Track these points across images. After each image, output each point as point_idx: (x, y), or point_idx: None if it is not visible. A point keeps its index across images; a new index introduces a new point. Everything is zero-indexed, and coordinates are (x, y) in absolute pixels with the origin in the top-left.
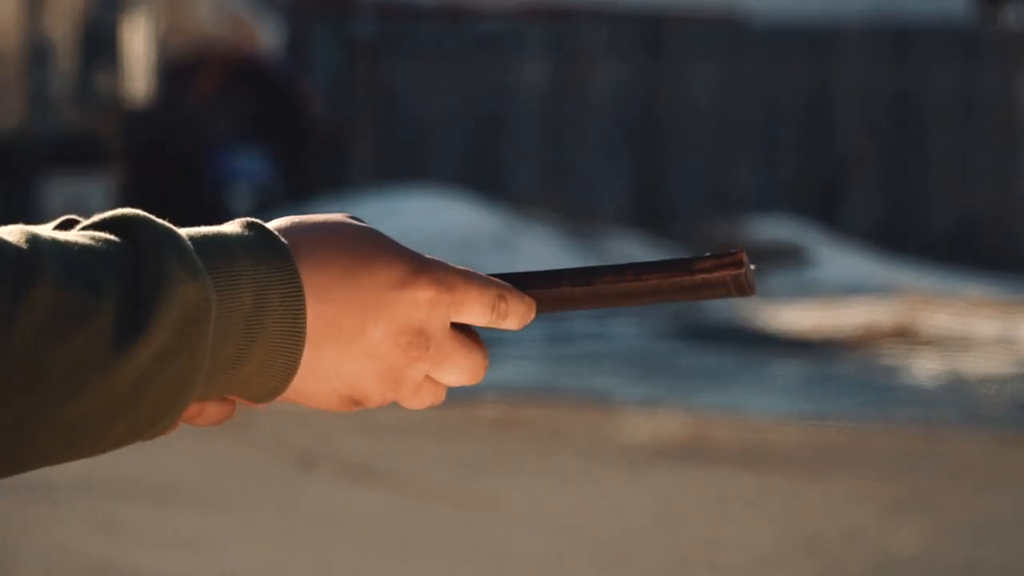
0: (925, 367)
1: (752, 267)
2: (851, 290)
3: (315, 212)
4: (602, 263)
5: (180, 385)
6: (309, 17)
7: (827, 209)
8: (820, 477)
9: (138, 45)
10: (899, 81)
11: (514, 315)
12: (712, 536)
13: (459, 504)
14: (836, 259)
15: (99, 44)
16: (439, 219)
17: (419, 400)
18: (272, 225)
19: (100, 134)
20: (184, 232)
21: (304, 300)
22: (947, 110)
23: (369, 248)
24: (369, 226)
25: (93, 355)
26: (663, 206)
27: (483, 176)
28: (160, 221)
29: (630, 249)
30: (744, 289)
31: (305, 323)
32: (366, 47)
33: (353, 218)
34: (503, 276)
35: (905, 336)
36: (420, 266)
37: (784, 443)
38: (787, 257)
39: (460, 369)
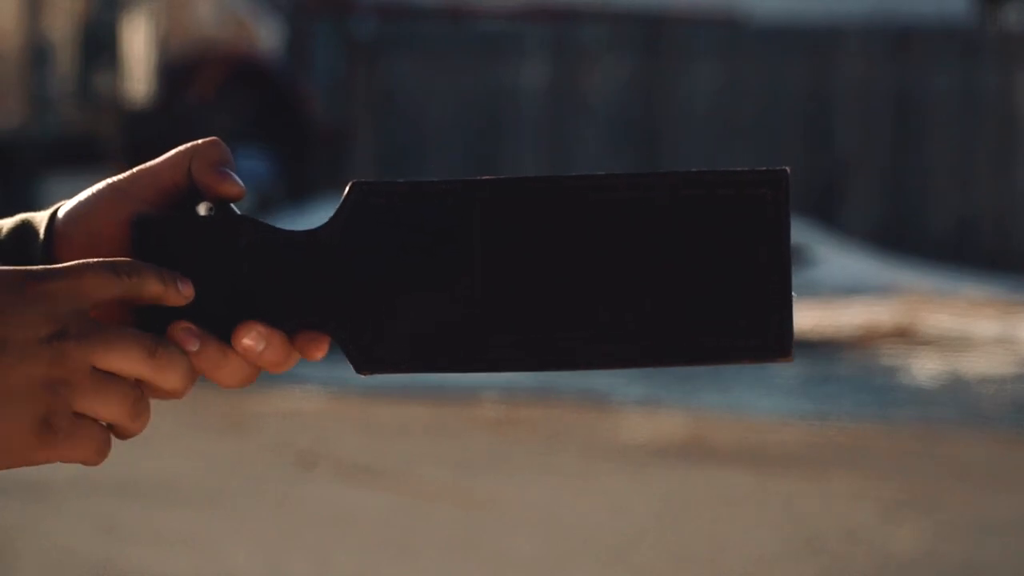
0: (925, 367)
1: None
2: (851, 290)
3: (315, 211)
4: None
5: None
6: (309, 17)
7: (827, 209)
8: (820, 477)
9: (138, 45)
10: (899, 81)
11: (172, 361)
12: (712, 536)
13: (459, 504)
14: (836, 259)
15: (99, 44)
16: None
17: (107, 396)
18: None
19: (100, 134)
20: None
21: None
22: (947, 110)
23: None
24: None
25: None
26: None
27: (483, 176)
28: None
29: None
30: None
31: None
32: (366, 47)
33: None
34: None
35: (905, 336)
36: (32, 269)
37: (784, 443)
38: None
39: (118, 399)
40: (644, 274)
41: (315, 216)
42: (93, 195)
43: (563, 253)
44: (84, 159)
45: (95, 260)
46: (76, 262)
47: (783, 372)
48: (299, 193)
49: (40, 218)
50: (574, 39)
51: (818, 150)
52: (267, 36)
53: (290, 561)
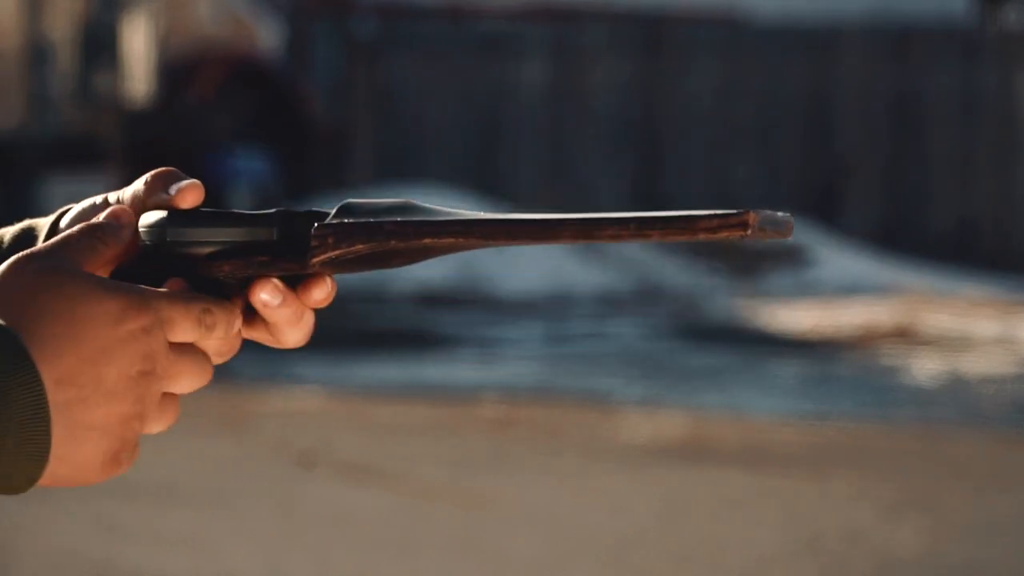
0: (925, 367)
1: (781, 215)
2: (851, 290)
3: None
4: (602, 259)
5: None
6: (309, 17)
7: (827, 209)
8: (820, 477)
9: (138, 45)
10: (899, 81)
11: (221, 324)
12: (712, 536)
13: (459, 504)
14: (836, 259)
15: (99, 44)
16: None
17: (163, 419)
18: None
19: (100, 134)
20: None
21: (42, 384)
22: (947, 110)
23: (78, 293)
24: (66, 267)
25: None
26: (663, 206)
27: (483, 176)
28: None
29: (629, 248)
30: (769, 235)
31: (47, 407)
32: (366, 47)
33: (45, 259)
34: (543, 220)
35: (905, 336)
36: (127, 299)
37: (784, 443)
38: (787, 257)
39: (190, 376)
40: None
41: None
42: (95, 207)
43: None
44: (84, 159)
45: (184, 299)
46: (167, 297)
47: (783, 372)
48: (299, 193)
49: (43, 224)
50: (574, 39)
51: (818, 150)
52: (267, 36)
53: (290, 561)
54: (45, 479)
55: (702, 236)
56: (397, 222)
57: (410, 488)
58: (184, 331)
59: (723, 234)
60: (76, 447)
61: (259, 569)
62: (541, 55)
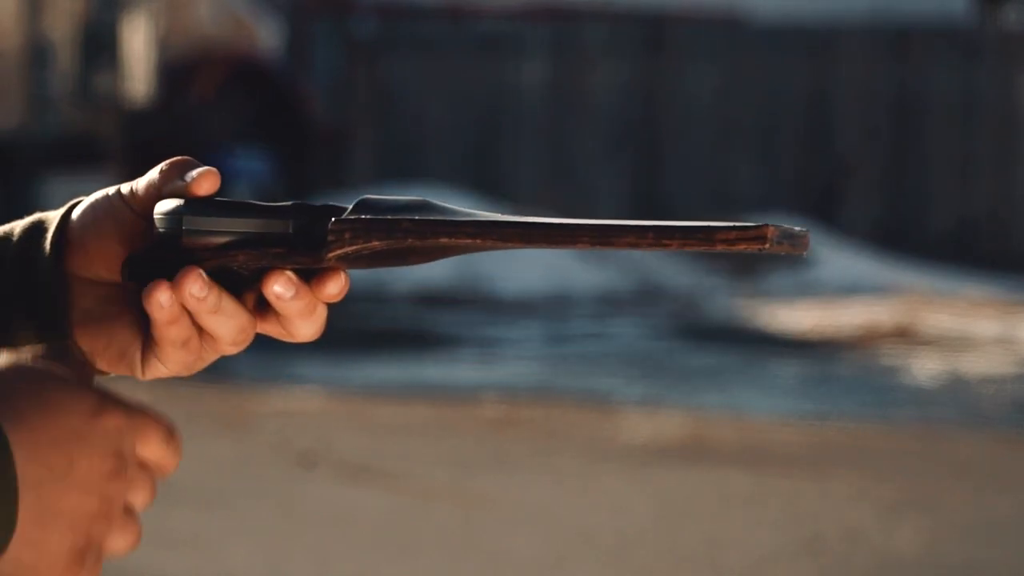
0: (925, 367)
1: (798, 229)
2: (851, 290)
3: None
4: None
5: None
6: (309, 17)
7: (827, 209)
8: (820, 477)
9: (138, 45)
10: (899, 81)
11: (176, 451)
12: (712, 536)
13: (459, 504)
14: (836, 259)
15: (99, 44)
16: None
17: (126, 535)
18: None
19: (100, 134)
20: None
21: (12, 459)
22: (947, 110)
23: (57, 386)
24: (47, 367)
25: None
26: (663, 206)
27: (483, 176)
28: None
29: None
30: (785, 250)
31: (14, 467)
32: (366, 47)
33: (26, 363)
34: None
35: (905, 336)
36: (103, 397)
37: (784, 443)
38: (787, 257)
39: (148, 493)
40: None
41: None
42: (107, 198)
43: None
44: (84, 159)
45: (154, 414)
46: (140, 407)
47: (783, 372)
48: (299, 193)
49: (52, 217)
50: (574, 39)
51: (818, 150)
52: (267, 36)
53: (290, 561)
54: (8, 562)
55: (720, 248)
56: (414, 220)
57: (410, 488)
58: (153, 444)
59: (740, 247)
60: (43, 533)
61: (259, 569)
62: (541, 55)
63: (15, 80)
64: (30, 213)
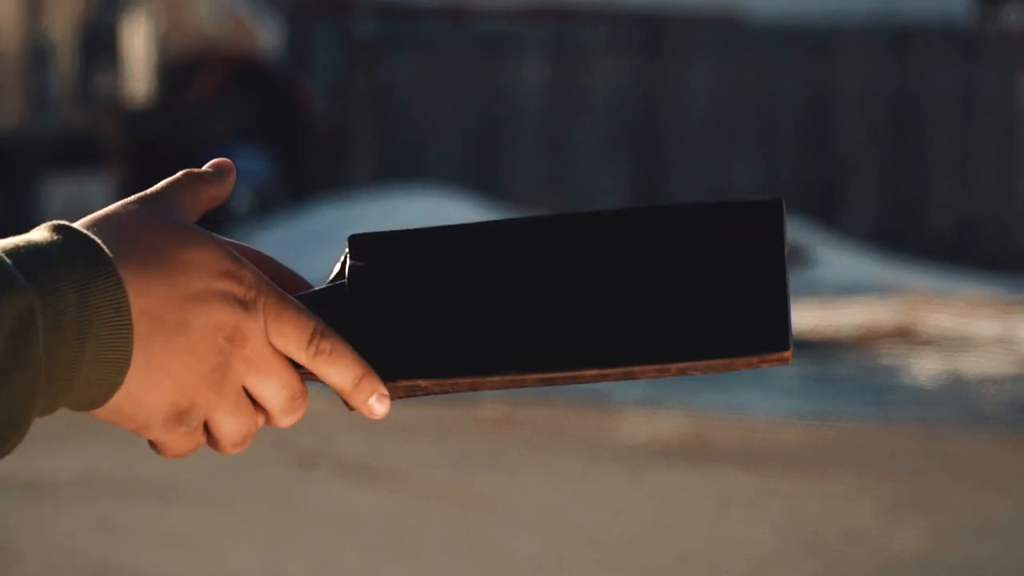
0: (925, 367)
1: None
2: (851, 290)
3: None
4: None
5: (20, 401)
6: (309, 17)
7: (827, 209)
8: (820, 477)
9: (138, 45)
10: (899, 81)
11: (336, 355)
12: (712, 536)
13: (459, 504)
14: (836, 259)
15: (99, 44)
16: (439, 219)
17: (237, 417)
18: (78, 224)
19: (100, 134)
20: None
21: (125, 292)
22: (947, 110)
23: (185, 238)
24: (177, 216)
25: None
26: None
27: (483, 176)
28: None
29: None
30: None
31: (130, 314)
32: (366, 47)
33: (152, 203)
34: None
35: (905, 336)
36: (240, 264)
37: (784, 443)
38: (787, 257)
39: (278, 384)
40: (648, 295)
41: (315, 216)
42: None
43: (571, 283)
44: (84, 159)
45: (301, 309)
46: (283, 294)
47: (783, 372)
48: (299, 193)
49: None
50: (574, 39)
51: (818, 150)
52: (267, 36)
53: (290, 561)
54: (109, 410)
55: (740, 366)
56: (462, 382)
57: (410, 488)
58: (290, 339)
59: (761, 366)
60: (147, 388)
61: (259, 569)
62: (541, 55)
63: (15, 80)
64: (30, 213)
